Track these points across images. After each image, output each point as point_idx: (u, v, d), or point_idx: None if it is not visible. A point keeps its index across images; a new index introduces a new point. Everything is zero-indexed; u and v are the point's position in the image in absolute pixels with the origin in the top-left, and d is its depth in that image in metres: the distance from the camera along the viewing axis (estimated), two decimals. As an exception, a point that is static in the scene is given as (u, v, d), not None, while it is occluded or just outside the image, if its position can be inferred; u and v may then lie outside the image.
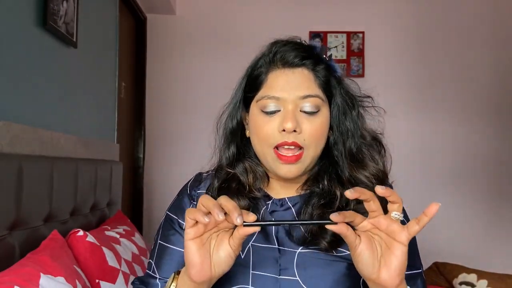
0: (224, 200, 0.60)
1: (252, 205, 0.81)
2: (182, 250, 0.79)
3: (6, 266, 0.99)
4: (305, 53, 0.79)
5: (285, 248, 0.77)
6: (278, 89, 0.77)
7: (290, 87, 0.77)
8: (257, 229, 0.60)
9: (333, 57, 0.85)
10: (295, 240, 0.77)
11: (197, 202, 0.64)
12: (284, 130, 0.75)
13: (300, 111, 0.77)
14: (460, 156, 3.11)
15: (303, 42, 0.84)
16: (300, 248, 0.76)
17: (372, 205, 0.60)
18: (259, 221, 0.63)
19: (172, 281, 0.69)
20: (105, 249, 1.31)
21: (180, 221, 0.84)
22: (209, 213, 0.60)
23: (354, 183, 0.78)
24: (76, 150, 1.63)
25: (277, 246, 0.77)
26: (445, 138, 3.12)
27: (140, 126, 3.05)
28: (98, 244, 1.30)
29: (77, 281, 1.08)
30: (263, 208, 0.81)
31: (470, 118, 3.12)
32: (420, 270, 0.79)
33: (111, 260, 1.31)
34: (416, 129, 3.11)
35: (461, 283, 1.99)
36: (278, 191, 0.84)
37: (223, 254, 0.63)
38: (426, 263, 1.38)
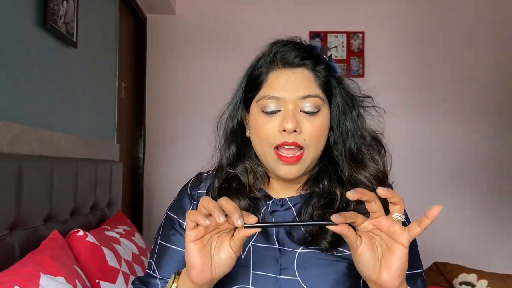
0: (224, 201, 0.60)
1: (253, 205, 0.81)
2: (183, 250, 0.79)
3: (6, 266, 0.99)
4: (305, 53, 0.79)
5: (285, 248, 0.77)
6: (278, 89, 0.77)
7: (290, 87, 0.77)
8: (258, 230, 0.60)
9: (333, 57, 0.85)
10: (296, 240, 0.77)
11: (197, 202, 0.64)
12: (284, 130, 0.75)
13: (300, 111, 0.77)
14: (460, 156, 3.11)
15: (303, 42, 0.84)
16: (301, 248, 0.76)
17: (374, 206, 0.60)
18: (260, 222, 0.63)
19: (173, 282, 0.69)
20: (105, 249, 1.31)
21: (180, 221, 0.84)
22: (210, 215, 0.60)
23: (354, 183, 0.78)
24: (76, 150, 1.62)
25: (277, 246, 0.77)
26: (445, 138, 3.12)
27: (140, 126, 3.05)
28: (98, 244, 1.30)
29: (77, 281, 1.08)
30: (264, 208, 0.81)
31: (470, 118, 3.12)
32: (420, 270, 0.79)
33: (111, 260, 1.31)
34: (416, 129, 3.11)
35: (461, 283, 1.99)
36: (279, 191, 0.84)
37: (224, 255, 0.63)
38: (426, 263, 1.38)
